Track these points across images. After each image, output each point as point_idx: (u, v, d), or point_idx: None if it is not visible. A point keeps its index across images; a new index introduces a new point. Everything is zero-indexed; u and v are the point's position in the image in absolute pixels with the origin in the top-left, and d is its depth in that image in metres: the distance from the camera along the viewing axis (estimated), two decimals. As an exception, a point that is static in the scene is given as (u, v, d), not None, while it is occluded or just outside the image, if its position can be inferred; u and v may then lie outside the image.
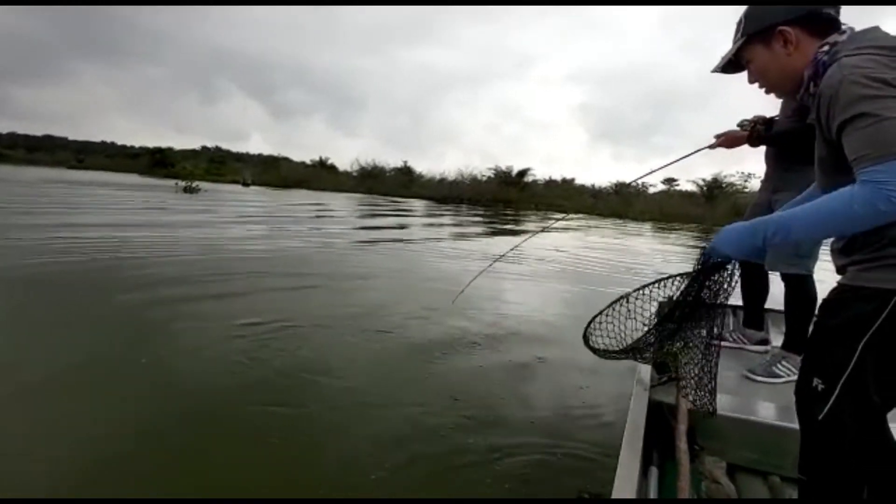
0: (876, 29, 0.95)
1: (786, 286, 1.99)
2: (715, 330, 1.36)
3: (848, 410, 0.92)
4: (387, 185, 37.86)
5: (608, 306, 1.42)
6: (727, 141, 2.03)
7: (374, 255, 7.64)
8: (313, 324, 3.55)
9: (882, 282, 0.88)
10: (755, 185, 29.61)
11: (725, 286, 1.20)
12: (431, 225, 14.68)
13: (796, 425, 1.36)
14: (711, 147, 2.06)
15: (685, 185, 34.32)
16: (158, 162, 46.73)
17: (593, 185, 38.74)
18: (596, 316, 1.45)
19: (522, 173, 36.45)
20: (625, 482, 1.08)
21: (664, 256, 10.63)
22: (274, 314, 3.65)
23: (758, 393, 1.73)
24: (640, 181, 36.67)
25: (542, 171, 55.67)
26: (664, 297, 1.33)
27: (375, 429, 2.16)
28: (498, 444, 2.08)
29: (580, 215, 25.26)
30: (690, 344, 1.43)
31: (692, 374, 1.46)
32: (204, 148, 60.74)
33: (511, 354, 3.23)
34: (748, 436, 1.50)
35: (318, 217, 14.35)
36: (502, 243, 10.56)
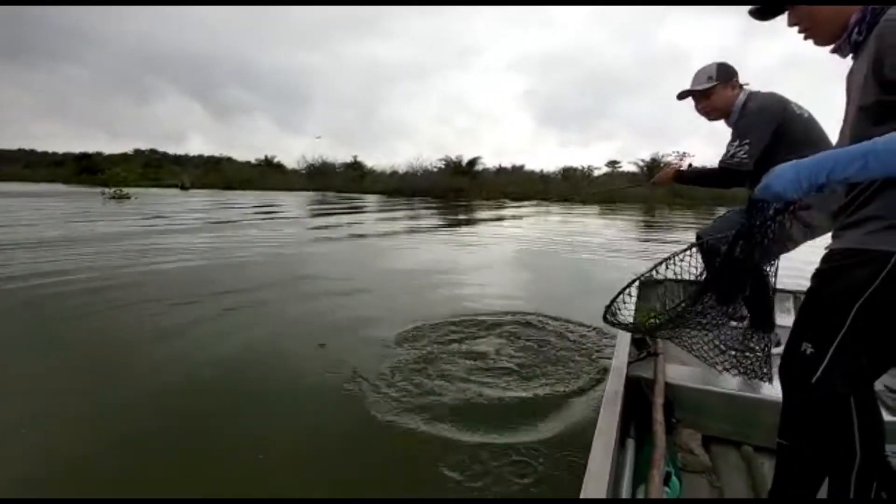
0: None
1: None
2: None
3: (838, 374, 0.93)
4: (337, 181, 37.03)
5: (625, 289, 1.54)
6: (660, 179, 2.18)
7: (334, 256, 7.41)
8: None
9: (882, 243, 0.89)
10: (690, 161, 31.37)
11: (770, 235, 1.07)
12: (384, 220, 14.48)
13: (768, 396, 1.47)
14: (647, 183, 2.30)
15: (627, 167, 35.87)
16: (85, 168, 43.40)
17: (542, 171, 39.58)
18: (616, 297, 1.55)
19: (472, 162, 36.71)
20: (600, 452, 1.08)
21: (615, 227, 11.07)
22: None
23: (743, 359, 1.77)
24: (586, 169, 37.82)
25: (492, 159, 56.28)
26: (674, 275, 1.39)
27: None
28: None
29: (535, 202, 25.72)
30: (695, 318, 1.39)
31: (711, 345, 1.49)
32: (138, 151, 56.56)
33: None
34: (722, 408, 1.56)
35: (262, 219, 13.78)
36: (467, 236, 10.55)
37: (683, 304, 1.32)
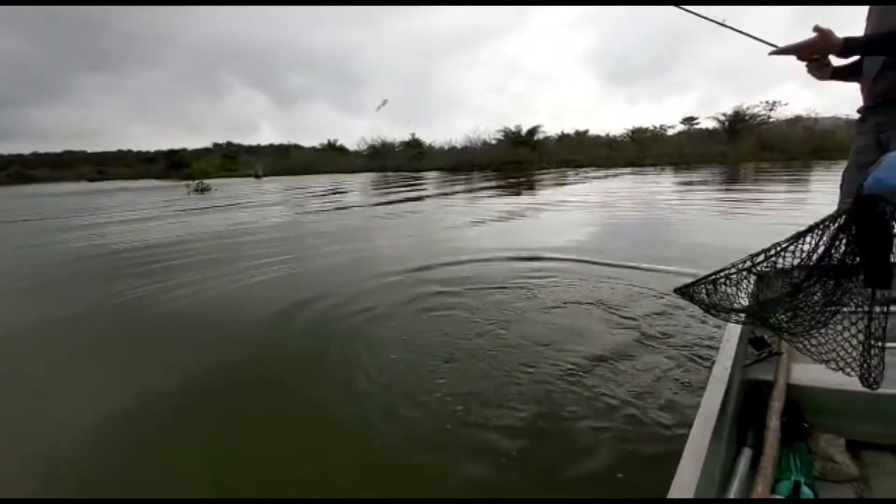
0: None
1: None
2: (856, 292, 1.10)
3: None
4: (397, 160, 37.53)
5: (717, 273, 1.19)
6: (801, 48, 1.52)
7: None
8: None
9: None
10: (782, 112, 27.80)
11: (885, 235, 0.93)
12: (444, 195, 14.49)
13: None
14: (773, 53, 1.56)
15: (706, 122, 32.57)
16: (174, 164, 47.70)
17: (608, 135, 37.21)
18: (702, 279, 1.22)
19: (532, 131, 35.35)
20: (691, 460, 0.99)
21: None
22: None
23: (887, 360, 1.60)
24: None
25: (552, 126, 53.73)
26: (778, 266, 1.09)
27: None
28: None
29: (600, 168, 24.30)
30: (814, 310, 1.16)
31: (851, 345, 1.22)
32: (216, 145, 61.37)
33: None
34: (870, 408, 1.38)
35: (332, 206, 14.33)
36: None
37: (819, 294, 1.08)
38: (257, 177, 36.75)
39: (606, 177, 19.28)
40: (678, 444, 1.03)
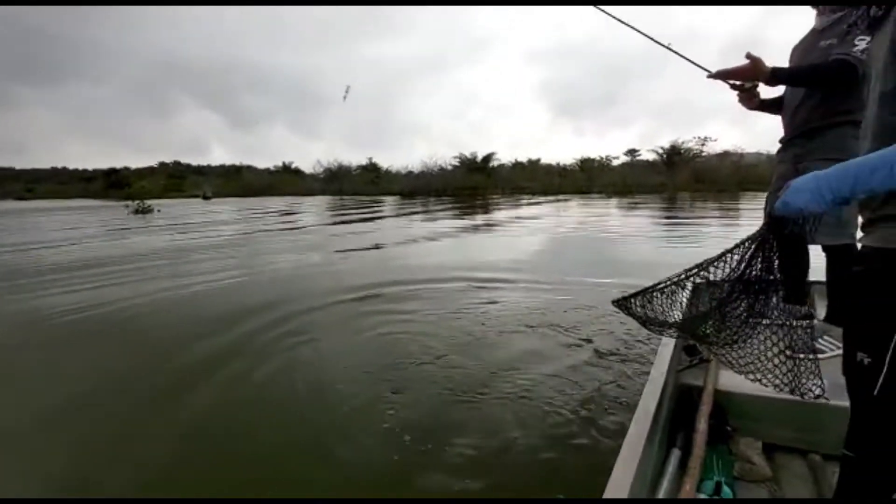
0: None
1: (828, 258, 1.85)
2: (773, 307, 1.20)
3: None
4: (354, 184, 37.33)
5: (653, 287, 1.27)
6: (735, 73, 1.71)
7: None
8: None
9: None
10: (712, 147, 30.30)
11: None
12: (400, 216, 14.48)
13: (837, 402, 1.35)
14: (710, 76, 1.75)
15: (646, 155, 34.97)
16: (114, 183, 44.95)
17: (558, 164, 38.99)
18: (638, 293, 1.30)
19: (487, 158, 36.45)
20: (626, 462, 1.03)
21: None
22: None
23: (797, 370, 1.67)
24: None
25: (508, 153, 55.65)
26: (709, 279, 1.18)
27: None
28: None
29: (552, 196, 25.30)
30: (736, 323, 1.25)
31: (767, 356, 1.31)
32: (162, 164, 58.41)
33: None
34: (784, 414, 1.47)
35: (282, 228, 13.95)
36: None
37: (743, 307, 1.17)
38: (205, 198, 35.24)
39: (557, 202, 20.09)
40: (617, 448, 1.08)
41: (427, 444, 1.97)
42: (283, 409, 2.34)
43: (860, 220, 0.95)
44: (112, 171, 50.29)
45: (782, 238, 0.99)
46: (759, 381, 1.35)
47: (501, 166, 37.56)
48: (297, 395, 2.47)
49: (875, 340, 0.87)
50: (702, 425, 1.34)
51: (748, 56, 1.66)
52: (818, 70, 1.71)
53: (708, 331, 1.31)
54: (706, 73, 1.76)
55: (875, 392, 0.87)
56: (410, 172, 37.24)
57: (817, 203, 0.83)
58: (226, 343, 3.22)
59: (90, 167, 59.38)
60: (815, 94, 1.80)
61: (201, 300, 4.48)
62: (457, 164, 36.53)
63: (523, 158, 40.56)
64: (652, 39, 2.02)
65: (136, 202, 21.01)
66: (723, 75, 1.73)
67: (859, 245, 0.94)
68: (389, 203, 23.10)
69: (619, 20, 2.11)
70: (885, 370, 0.85)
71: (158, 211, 20.18)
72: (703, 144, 30.18)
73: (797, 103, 1.87)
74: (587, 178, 31.54)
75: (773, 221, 0.97)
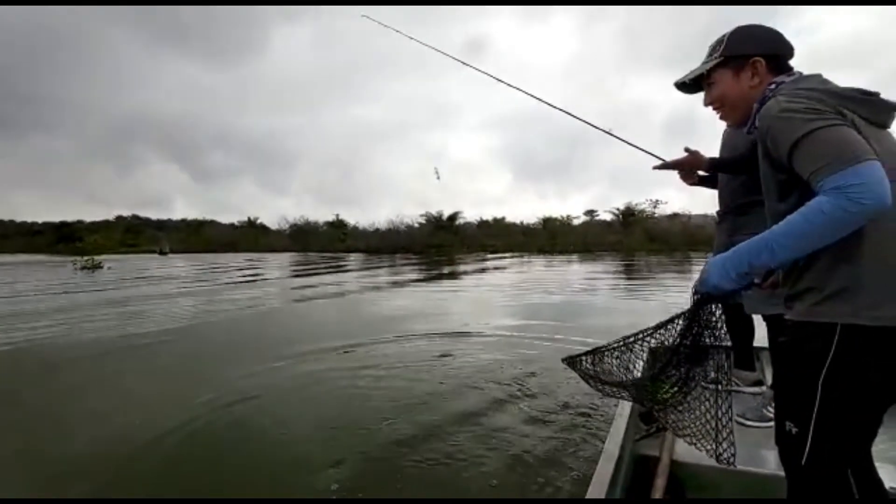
0: (819, 76, 1.01)
1: (768, 326, 1.94)
2: (710, 373, 1.23)
3: (826, 451, 0.89)
4: (320, 240, 37.10)
5: (604, 348, 1.34)
6: (678, 165, 1.91)
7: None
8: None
9: (825, 315, 0.88)
10: (663, 209, 32.31)
11: (718, 324, 1.10)
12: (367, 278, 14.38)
13: (781, 472, 1.32)
14: (656, 168, 1.94)
15: (604, 216, 36.85)
16: (63, 237, 42.77)
17: (522, 223, 40.36)
18: (588, 352, 1.37)
19: (453, 217, 37.31)
20: None
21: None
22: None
23: (749, 439, 1.62)
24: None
25: (473, 211, 57.21)
26: (658, 343, 1.25)
27: None
28: None
29: (516, 254, 25.93)
30: (684, 389, 1.28)
31: (701, 422, 1.28)
32: (119, 217, 56.38)
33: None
34: (738, 485, 1.43)
35: (241, 281, 13.55)
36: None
37: (681, 373, 1.21)
38: (162, 253, 33.97)
39: (522, 261, 20.59)
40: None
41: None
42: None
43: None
44: (63, 225, 48.02)
45: (719, 307, 1.08)
46: (694, 444, 1.33)
47: (467, 224, 38.48)
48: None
49: (800, 410, 0.91)
50: (657, 496, 1.31)
51: (687, 150, 1.90)
52: (743, 158, 1.90)
53: (657, 394, 1.32)
54: (652, 165, 1.95)
55: (802, 461, 0.91)
56: (377, 230, 37.56)
57: (727, 280, 0.94)
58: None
59: (40, 220, 56.61)
60: (741, 175, 2.01)
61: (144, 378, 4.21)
62: (423, 221, 37.18)
63: (489, 217, 41.88)
64: (591, 125, 2.24)
65: (86, 258, 20.00)
66: (668, 167, 1.92)
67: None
68: (354, 261, 22.97)
69: (555, 107, 2.37)
70: (809, 440, 0.89)
71: (109, 268, 19.24)
72: (655, 206, 32.20)
73: (725, 184, 2.09)
74: (550, 237, 32.68)
75: (699, 297, 1.07)
